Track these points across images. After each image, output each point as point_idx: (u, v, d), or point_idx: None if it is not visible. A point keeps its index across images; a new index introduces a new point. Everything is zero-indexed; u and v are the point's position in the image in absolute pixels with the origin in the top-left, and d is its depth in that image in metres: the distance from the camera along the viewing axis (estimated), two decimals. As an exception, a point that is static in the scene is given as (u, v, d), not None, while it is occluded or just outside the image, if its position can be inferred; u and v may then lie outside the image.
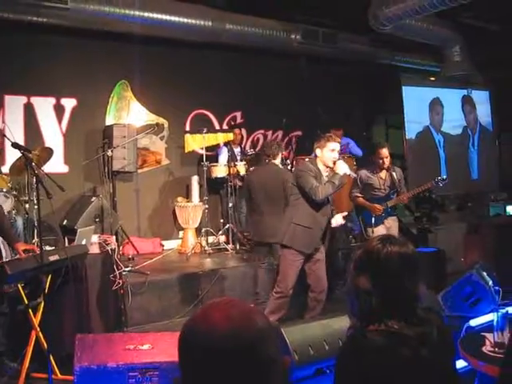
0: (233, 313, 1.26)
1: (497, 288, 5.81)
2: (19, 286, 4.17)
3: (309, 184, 5.06)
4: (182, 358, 1.29)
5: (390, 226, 6.72)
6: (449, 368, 2.05)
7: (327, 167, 5.21)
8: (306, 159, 6.19)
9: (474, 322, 4.85)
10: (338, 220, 5.50)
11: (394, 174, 6.75)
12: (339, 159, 5.23)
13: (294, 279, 5.26)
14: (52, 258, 4.27)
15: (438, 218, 9.71)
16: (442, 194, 9.34)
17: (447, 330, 2.12)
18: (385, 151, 6.67)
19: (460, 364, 3.28)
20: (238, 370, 1.20)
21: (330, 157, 5.16)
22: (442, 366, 1.97)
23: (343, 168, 5.14)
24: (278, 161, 6.13)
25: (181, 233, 8.69)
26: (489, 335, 3.47)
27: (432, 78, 10.95)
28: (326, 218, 5.29)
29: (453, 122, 10.85)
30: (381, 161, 6.67)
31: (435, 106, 10.57)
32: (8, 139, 4.49)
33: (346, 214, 5.82)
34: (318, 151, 5.22)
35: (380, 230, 6.63)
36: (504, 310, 3.45)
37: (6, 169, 6.86)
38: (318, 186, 5.03)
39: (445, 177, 6.70)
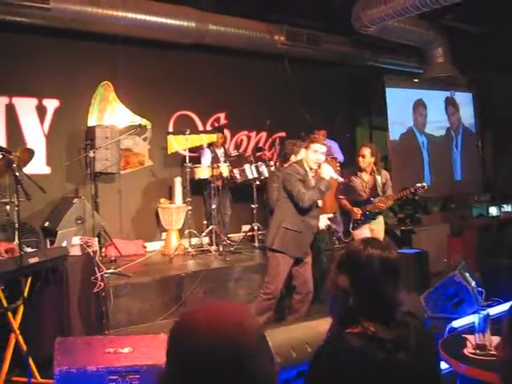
0: (221, 319, 1.24)
1: (480, 289, 5.83)
2: (-2, 288, 4.12)
3: (295, 190, 5.03)
4: (168, 358, 1.26)
5: (374, 229, 6.71)
6: (429, 372, 2.05)
7: (311, 169, 5.20)
8: (293, 157, 6.16)
9: (456, 323, 4.85)
10: (323, 221, 5.50)
11: (378, 177, 6.72)
12: (324, 162, 5.21)
13: (282, 281, 5.25)
14: (32, 260, 4.23)
15: (421, 220, 9.76)
16: (425, 195, 9.38)
17: (427, 333, 2.12)
18: (363, 150, 6.66)
19: (441, 366, 3.28)
20: (225, 378, 1.18)
21: (313, 158, 5.14)
22: (421, 370, 1.96)
23: (328, 171, 5.13)
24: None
25: (164, 234, 8.64)
26: (470, 337, 3.48)
27: (415, 80, 10.99)
28: (315, 221, 5.28)
29: (436, 123, 10.93)
30: (358, 158, 6.67)
31: (419, 107, 10.63)
32: (-13, 140, 4.44)
33: (331, 215, 5.82)
34: (302, 152, 5.21)
35: (364, 233, 6.63)
36: (485, 312, 3.46)
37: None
38: (305, 192, 5.00)
39: (425, 184, 6.65)
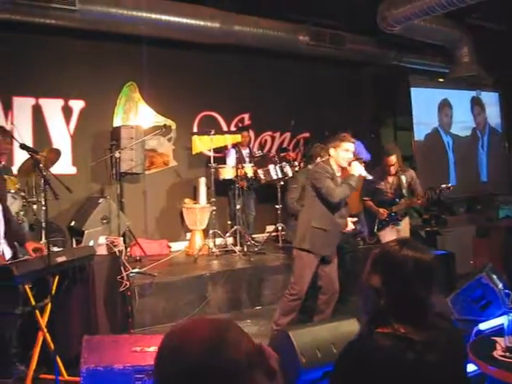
0: (211, 336, 1.22)
1: (507, 291, 5.75)
2: (26, 287, 4.16)
3: (325, 186, 5.01)
4: (156, 369, 1.25)
5: (400, 230, 6.68)
6: (458, 373, 2.02)
7: (340, 168, 5.18)
8: (318, 159, 6.15)
9: (483, 326, 4.79)
10: (348, 225, 5.48)
11: (402, 177, 6.69)
12: (354, 160, 5.19)
13: (308, 281, 5.22)
14: (59, 260, 4.26)
15: (446, 221, 9.66)
16: (450, 196, 9.29)
17: (458, 334, 2.09)
18: (391, 159, 6.64)
19: (470, 368, 3.24)
20: None
21: (344, 157, 5.12)
22: (450, 371, 1.94)
23: (359, 169, 5.11)
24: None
25: (188, 234, 8.66)
26: (499, 339, 3.43)
27: (441, 80, 10.89)
28: (343, 220, 5.26)
29: (462, 123, 10.81)
30: (387, 168, 6.66)
31: (444, 107, 10.53)
32: (16, 140, 4.48)
33: (355, 219, 5.78)
34: (332, 151, 5.18)
35: (390, 233, 6.60)
36: (515, 314, 3.40)
37: (14, 170, 6.87)
38: (335, 188, 4.99)
39: (450, 185, 6.60)
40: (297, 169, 8.10)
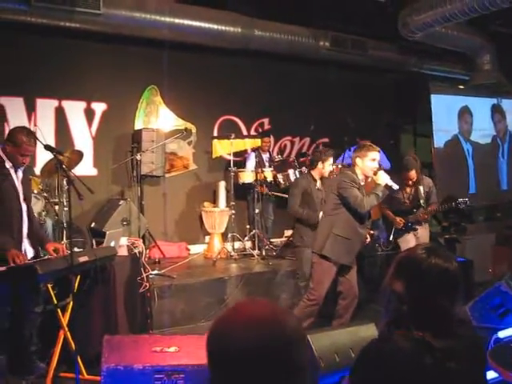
0: (260, 316, 1.26)
1: (526, 300, 5.71)
2: (48, 286, 4.22)
3: (353, 196, 5.01)
4: (210, 358, 1.29)
5: (419, 236, 6.67)
6: (478, 380, 2.02)
7: (366, 177, 5.18)
8: (339, 165, 6.17)
9: (502, 334, 4.77)
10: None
11: (420, 188, 6.70)
12: (379, 169, 5.19)
13: (327, 287, 5.23)
14: (81, 259, 4.31)
15: (465, 228, 9.61)
16: (470, 204, 9.25)
17: (479, 341, 2.08)
18: (411, 174, 6.65)
19: (490, 375, 3.23)
20: (265, 373, 1.20)
21: (370, 166, 5.10)
22: (470, 379, 1.93)
23: (385, 178, 5.10)
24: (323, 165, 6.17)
25: (207, 237, 8.71)
26: (519, 346, 3.43)
27: (461, 87, 10.85)
28: (365, 230, 5.26)
29: (482, 130, 10.77)
30: (407, 181, 6.68)
31: (464, 114, 10.49)
32: (40, 142, 4.54)
33: (372, 232, 5.81)
34: (358, 160, 5.16)
35: (409, 239, 6.60)
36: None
37: (37, 171, 6.96)
38: (363, 198, 4.99)
39: (467, 200, 6.58)
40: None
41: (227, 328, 1.26)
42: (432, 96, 9.89)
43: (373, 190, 5.09)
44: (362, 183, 5.18)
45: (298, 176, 7.98)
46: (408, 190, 6.76)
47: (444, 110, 10.16)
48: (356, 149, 5.32)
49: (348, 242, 5.16)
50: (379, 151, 5.26)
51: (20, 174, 4.53)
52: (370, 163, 5.11)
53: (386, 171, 6.63)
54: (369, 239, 5.65)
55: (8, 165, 4.40)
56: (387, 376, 1.84)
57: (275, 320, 1.26)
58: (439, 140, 10.06)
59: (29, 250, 4.56)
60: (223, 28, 8.26)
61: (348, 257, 5.22)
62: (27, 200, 4.60)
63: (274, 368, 1.20)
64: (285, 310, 1.34)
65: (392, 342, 1.89)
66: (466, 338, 1.93)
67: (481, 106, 10.79)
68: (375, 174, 5.12)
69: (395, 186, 5.32)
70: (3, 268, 3.90)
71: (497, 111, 10.99)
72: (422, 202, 6.68)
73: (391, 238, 6.80)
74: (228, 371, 1.22)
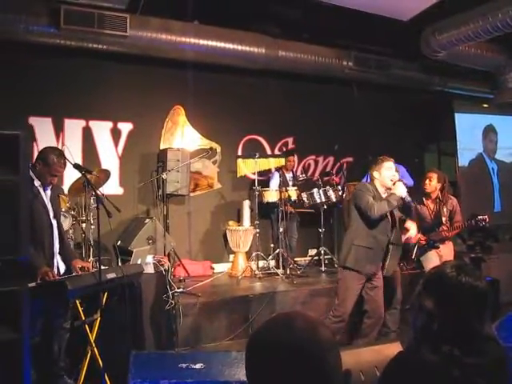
0: (297, 325, 1.30)
1: (553, 319, 5.64)
2: (77, 302, 4.28)
3: (364, 201, 5.06)
4: (248, 365, 1.33)
5: (442, 255, 6.63)
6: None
7: (386, 188, 5.21)
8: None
9: (529, 353, 4.71)
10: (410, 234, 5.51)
11: (444, 207, 6.67)
12: (399, 181, 5.22)
13: (352, 303, 5.23)
14: (109, 276, 4.38)
15: (491, 247, 9.52)
16: (495, 223, 9.17)
17: (506, 359, 2.08)
18: (430, 174, 6.64)
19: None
20: (301, 377, 1.24)
21: (388, 175, 5.16)
22: None
23: (401, 190, 5.13)
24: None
25: (231, 256, 8.75)
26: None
27: (485, 105, 10.82)
28: (385, 238, 5.26)
29: (507, 149, 10.72)
30: (424, 182, 6.65)
31: (489, 132, 10.46)
32: (68, 161, 4.65)
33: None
34: (375, 174, 5.21)
35: (432, 258, 6.57)
36: None
37: (64, 189, 7.07)
38: (374, 202, 5.03)
39: (486, 217, 6.52)
40: (340, 193, 8.15)
41: (268, 332, 1.31)
42: (456, 115, 9.90)
43: (386, 197, 5.12)
44: (384, 195, 5.20)
45: (321, 195, 8.00)
46: (431, 206, 6.73)
47: (468, 129, 10.15)
48: (371, 166, 5.36)
49: (370, 252, 5.18)
50: (393, 161, 5.30)
51: (48, 192, 4.62)
52: (386, 172, 5.18)
53: (410, 188, 6.62)
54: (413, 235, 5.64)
55: (37, 183, 4.50)
56: None
57: (312, 327, 1.31)
58: (463, 159, 10.04)
59: (61, 266, 4.65)
60: (247, 49, 8.36)
61: (370, 266, 5.22)
62: (57, 217, 4.69)
63: (309, 373, 1.24)
64: (319, 321, 1.38)
65: (420, 355, 1.91)
66: (493, 355, 1.93)
67: (506, 125, 10.75)
68: (394, 184, 5.15)
69: (408, 199, 5.36)
70: (33, 284, 3.98)
71: (522, 129, 10.93)
72: (444, 219, 6.65)
73: (413, 257, 6.76)
74: (266, 374, 1.26)
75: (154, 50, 7.86)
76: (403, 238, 5.67)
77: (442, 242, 6.69)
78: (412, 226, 5.77)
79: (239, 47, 8.30)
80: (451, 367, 1.84)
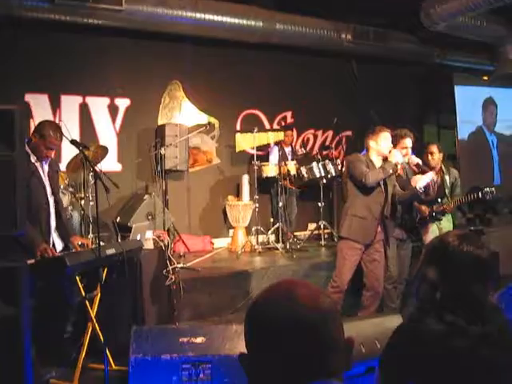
0: (298, 293, 1.28)
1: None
2: (77, 278, 4.27)
3: (359, 170, 5.08)
4: (247, 335, 1.32)
5: (442, 228, 6.61)
6: (508, 366, 2.01)
7: (383, 158, 5.20)
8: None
9: (530, 324, 4.72)
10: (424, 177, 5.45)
11: (446, 177, 6.63)
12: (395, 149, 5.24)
13: (350, 274, 5.26)
14: (109, 252, 4.37)
15: (490, 220, 9.53)
16: (496, 194, 9.16)
17: (509, 329, 2.07)
18: (432, 147, 6.57)
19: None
20: (302, 350, 1.23)
21: (385, 145, 5.18)
22: (500, 363, 1.92)
23: (397, 156, 5.14)
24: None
25: (231, 231, 8.75)
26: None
27: (485, 78, 10.74)
28: (378, 207, 5.26)
29: (507, 122, 10.66)
30: (426, 156, 6.58)
31: (488, 105, 10.40)
32: (65, 137, 4.61)
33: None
34: (372, 143, 5.21)
35: (432, 231, 6.54)
36: None
37: (62, 166, 7.05)
38: (368, 170, 5.05)
39: (493, 189, 6.47)
40: (339, 167, 8.11)
41: (266, 302, 1.29)
42: (456, 87, 9.82)
43: (382, 165, 5.14)
44: (379, 164, 5.19)
45: (321, 169, 7.97)
46: (434, 177, 6.66)
47: (468, 102, 10.09)
48: (367, 135, 5.33)
49: (363, 221, 5.20)
50: (390, 132, 5.30)
51: (46, 167, 4.59)
52: (383, 142, 5.19)
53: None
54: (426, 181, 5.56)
55: (33, 159, 4.46)
56: (418, 357, 1.84)
57: (312, 296, 1.29)
58: (463, 132, 9.99)
59: (58, 243, 4.64)
60: (245, 22, 8.27)
61: (364, 236, 5.24)
62: (55, 193, 4.67)
63: (310, 342, 1.23)
64: (320, 289, 1.36)
65: (424, 324, 1.89)
66: (497, 324, 1.93)
67: (506, 97, 10.68)
68: (389, 152, 5.16)
69: (405, 165, 5.50)
70: (32, 260, 3.96)
71: (522, 102, 10.86)
72: (447, 191, 6.61)
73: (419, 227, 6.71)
74: (266, 344, 1.25)
75: (151, 24, 7.76)
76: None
77: (443, 214, 6.66)
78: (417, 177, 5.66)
79: (236, 20, 8.21)
80: (456, 337, 1.83)
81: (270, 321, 1.25)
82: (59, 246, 4.63)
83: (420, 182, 5.31)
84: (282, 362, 1.23)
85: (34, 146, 4.43)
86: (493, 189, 6.41)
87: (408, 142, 5.62)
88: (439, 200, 6.58)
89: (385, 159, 5.21)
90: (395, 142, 5.37)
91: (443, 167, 6.63)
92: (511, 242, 8.48)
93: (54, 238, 4.62)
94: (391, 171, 5.12)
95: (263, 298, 1.32)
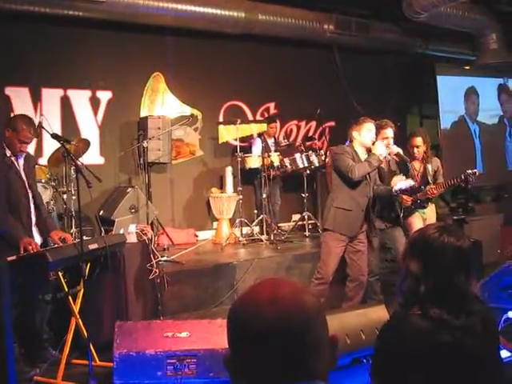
0: (281, 296, 1.26)
1: (536, 279, 5.70)
2: (59, 273, 4.24)
3: (345, 164, 5.08)
4: (230, 337, 1.30)
5: (426, 218, 6.63)
6: (494, 357, 2.02)
7: (366, 149, 5.21)
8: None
9: (512, 314, 4.77)
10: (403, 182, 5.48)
11: (428, 165, 6.64)
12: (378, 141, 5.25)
13: (334, 265, 5.27)
14: (91, 247, 4.33)
15: (473, 209, 9.59)
16: (477, 184, 9.22)
17: (492, 319, 2.09)
18: (417, 140, 6.56)
19: (504, 354, 3.24)
20: (285, 353, 1.21)
21: (368, 137, 5.19)
22: (486, 356, 1.94)
23: (380, 149, 5.15)
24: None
25: (215, 223, 8.73)
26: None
27: (467, 67, 10.79)
28: (365, 199, 5.27)
29: (489, 111, 10.71)
30: (412, 149, 6.58)
31: (470, 95, 10.44)
32: (46, 131, 4.56)
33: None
34: (355, 134, 5.22)
35: (416, 221, 6.56)
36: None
37: (44, 160, 6.98)
38: (354, 164, 5.05)
39: (476, 171, 6.48)
40: (323, 158, 8.10)
41: (249, 304, 1.27)
42: (438, 77, 9.84)
43: (367, 158, 5.15)
44: (365, 156, 5.20)
45: (304, 160, 7.96)
46: (417, 166, 6.66)
47: (450, 91, 10.11)
48: (351, 125, 5.34)
49: (349, 214, 5.21)
50: (374, 122, 5.32)
51: (21, 161, 4.54)
52: (366, 134, 5.20)
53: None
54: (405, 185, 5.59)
55: (8, 153, 4.41)
56: (406, 355, 1.85)
57: (295, 297, 1.27)
58: (445, 121, 10.02)
59: (37, 238, 4.58)
60: (227, 13, 8.22)
61: (349, 228, 5.25)
62: (32, 188, 4.62)
63: (294, 346, 1.21)
64: (304, 288, 1.35)
65: (409, 322, 1.90)
66: (480, 314, 1.94)
67: (487, 87, 10.72)
68: (373, 144, 5.18)
69: (388, 157, 5.54)
70: (13, 257, 3.92)
71: (503, 91, 10.92)
72: (430, 179, 6.62)
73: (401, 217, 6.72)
74: (249, 347, 1.23)
75: (132, 15, 7.68)
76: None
77: (428, 201, 6.67)
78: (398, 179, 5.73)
79: (218, 11, 8.16)
80: (441, 332, 1.84)
81: (252, 325, 1.23)
82: (38, 241, 4.56)
83: (398, 185, 5.37)
84: (264, 365, 1.21)
85: (9, 140, 4.38)
86: (475, 170, 6.43)
87: (389, 132, 5.62)
88: (422, 187, 6.59)
89: (368, 151, 5.22)
90: (376, 132, 5.37)
91: (425, 156, 6.65)
92: (494, 231, 8.56)
93: (34, 233, 4.57)
94: (377, 164, 5.14)
95: (245, 301, 1.29)
